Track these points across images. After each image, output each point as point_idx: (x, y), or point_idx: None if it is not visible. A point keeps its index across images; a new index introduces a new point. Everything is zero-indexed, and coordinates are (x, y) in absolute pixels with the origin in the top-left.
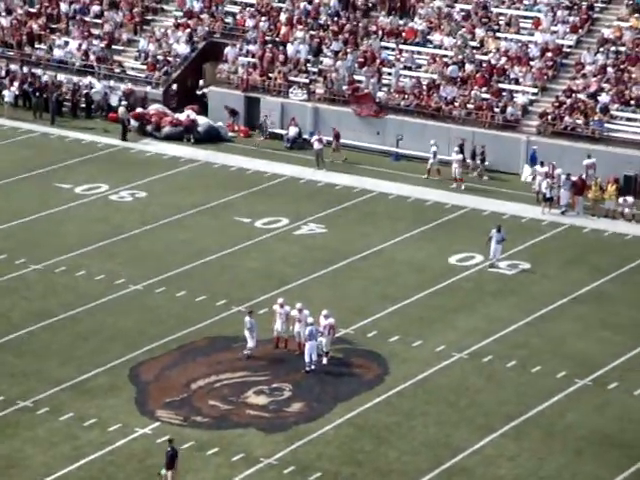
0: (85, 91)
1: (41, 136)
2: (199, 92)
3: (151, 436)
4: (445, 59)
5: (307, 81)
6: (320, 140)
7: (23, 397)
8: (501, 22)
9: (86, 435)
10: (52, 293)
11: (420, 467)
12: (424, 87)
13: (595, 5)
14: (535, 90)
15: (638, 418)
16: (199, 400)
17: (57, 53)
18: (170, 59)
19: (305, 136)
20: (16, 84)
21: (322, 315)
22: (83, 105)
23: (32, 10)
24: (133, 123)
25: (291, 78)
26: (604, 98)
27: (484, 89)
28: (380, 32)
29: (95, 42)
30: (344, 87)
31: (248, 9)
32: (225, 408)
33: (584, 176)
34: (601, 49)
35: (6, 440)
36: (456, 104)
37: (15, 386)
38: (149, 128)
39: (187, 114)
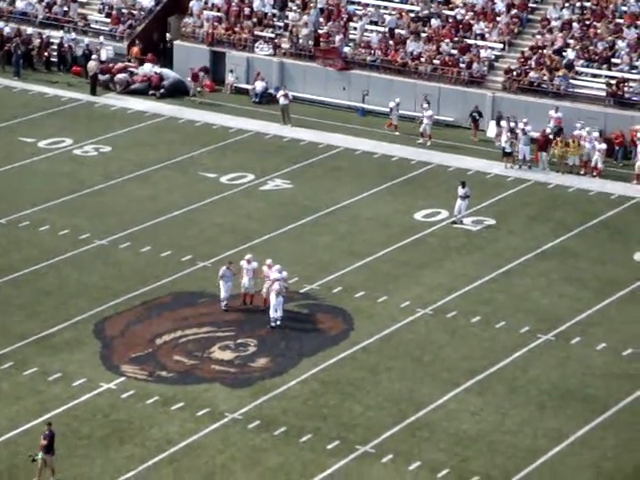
0: (67, 44)
1: (4, 89)
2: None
3: (116, 391)
4: (411, 14)
5: (273, 36)
6: (286, 95)
7: None
8: None
9: (51, 390)
10: (16, 248)
11: (384, 422)
12: (390, 42)
13: None
14: (501, 46)
15: (600, 372)
16: (164, 355)
17: (19, 5)
18: (135, 12)
19: (271, 91)
20: None
21: (275, 270)
22: (54, 59)
23: None
24: (101, 77)
25: (257, 32)
26: (569, 54)
27: (450, 44)
28: None
29: None
30: (310, 42)
31: None
32: (190, 363)
33: (548, 130)
34: (566, 4)
35: None
36: (422, 59)
37: None
38: (114, 82)
39: (153, 70)
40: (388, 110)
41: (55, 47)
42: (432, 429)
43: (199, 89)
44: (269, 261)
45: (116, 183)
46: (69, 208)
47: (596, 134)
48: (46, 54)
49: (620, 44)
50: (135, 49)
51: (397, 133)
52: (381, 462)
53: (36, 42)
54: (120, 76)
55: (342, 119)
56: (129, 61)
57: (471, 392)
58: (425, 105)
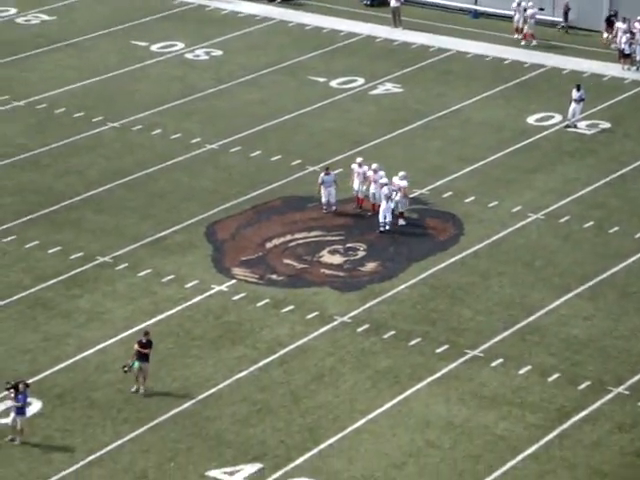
0: None
1: None
2: None
3: (227, 293)
4: None
5: None
6: None
7: (102, 253)
8: None
9: (164, 291)
10: (129, 151)
11: (494, 326)
12: None
13: None
14: None
15: None
16: (274, 259)
17: None
18: None
19: None
20: None
21: (398, 176)
22: None
23: None
24: None
25: None
26: None
27: None
28: None
29: None
30: None
31: None
32: (300, 267)
33: None
34: None
35: (86, 294)
36: None
37: (94, 242)
38: None
39: None
40: (512, 13)
41: None
42: (543, 334)
43: None
44: (375, 166)
45: (227, 87)
46: (181, 112)
47: None
48: None
49: None
50: None
51: (520, 39)
52: (491, 366)
53: None
54: None
55: (454, 21)
56: None
57: (583, 297)
58: (530, 4)
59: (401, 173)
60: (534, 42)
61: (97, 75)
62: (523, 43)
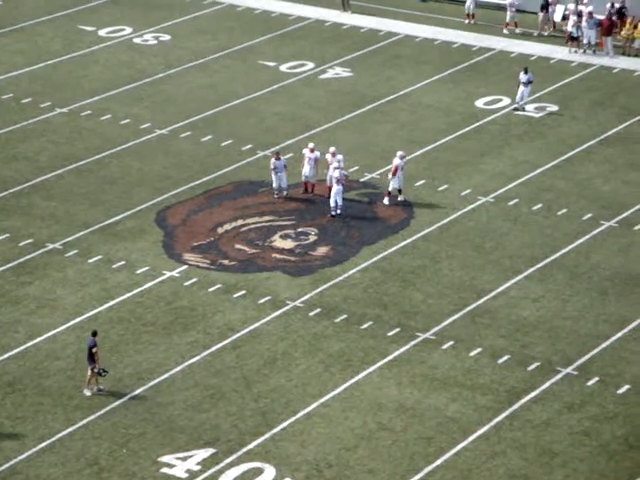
0: None
1: None
2: None
3: (178, 279)
4: None
5: None
6: None
7: (52, 239)
8: None
9: (115, 277)
10: (78, 137)
11: (445, 309)
12: None
13: None
14: None
15: None
16: (226, 244)
17: None
18: None
19: None
20: None
21: (397, 156)
22: None
23: None
24: None
25: None
26: None
27: None
28: None
29: None
30: None
31: None
32: (251, 252)
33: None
34: None
35: (36, 281)
36: None
37: (44, 228)
38: None
39: None
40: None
41: None
42: (493, 316)
43: None
44: (332, 149)
45: (176, 72)
46: (130, 97)
47: None
48: None
49: None
50: None
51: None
52: (442, 348)
53: None
54: None
55: (402, 5)
56: None
57: (532, 279)
58: None
59: (399, 152)
60: (472, 21)
61: (44, 60)
62: (466, 22)
